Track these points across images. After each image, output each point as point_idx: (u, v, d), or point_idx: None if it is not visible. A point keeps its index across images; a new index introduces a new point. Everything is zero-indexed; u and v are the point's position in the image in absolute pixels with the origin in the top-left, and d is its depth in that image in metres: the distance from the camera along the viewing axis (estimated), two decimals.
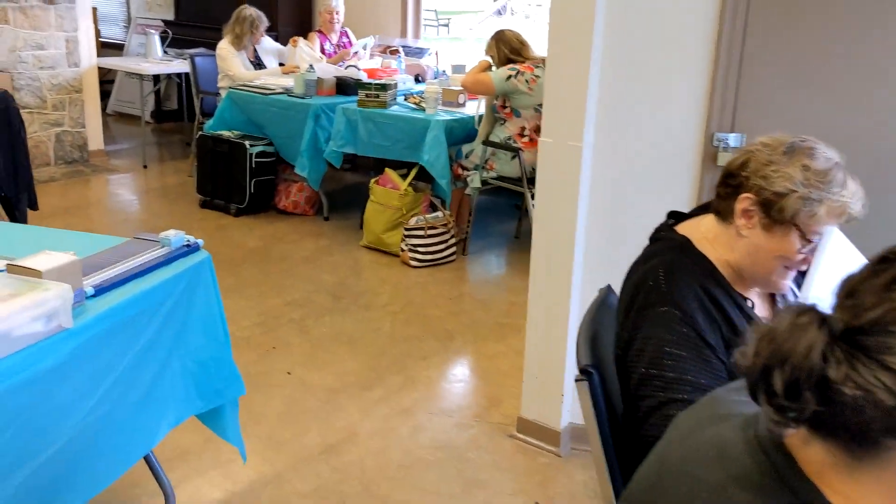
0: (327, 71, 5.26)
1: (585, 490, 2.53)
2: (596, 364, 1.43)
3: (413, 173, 4.57)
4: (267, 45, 5.92)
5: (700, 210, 1.60)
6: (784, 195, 1.36)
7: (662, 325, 1.38)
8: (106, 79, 7.57)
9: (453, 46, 7.04)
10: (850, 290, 0.77)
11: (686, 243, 1.49)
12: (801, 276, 1.50)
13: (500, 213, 5.49)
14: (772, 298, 1.58)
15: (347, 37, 6.08)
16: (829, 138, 1.46)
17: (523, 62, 4.31)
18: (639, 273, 1.48)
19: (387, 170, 4.62)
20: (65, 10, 6.01)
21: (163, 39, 6.94)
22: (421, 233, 4.35)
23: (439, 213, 4.47)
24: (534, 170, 4.41)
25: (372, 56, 6.13)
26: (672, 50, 2.39)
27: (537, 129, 4.34)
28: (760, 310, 1.52)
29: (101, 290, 1.89)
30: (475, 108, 4.68)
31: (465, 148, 4.55)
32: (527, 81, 4.22)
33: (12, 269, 1.75)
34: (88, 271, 1.97)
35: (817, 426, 0.77)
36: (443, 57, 6.59)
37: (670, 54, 2.39)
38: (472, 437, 2.78)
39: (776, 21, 2.28)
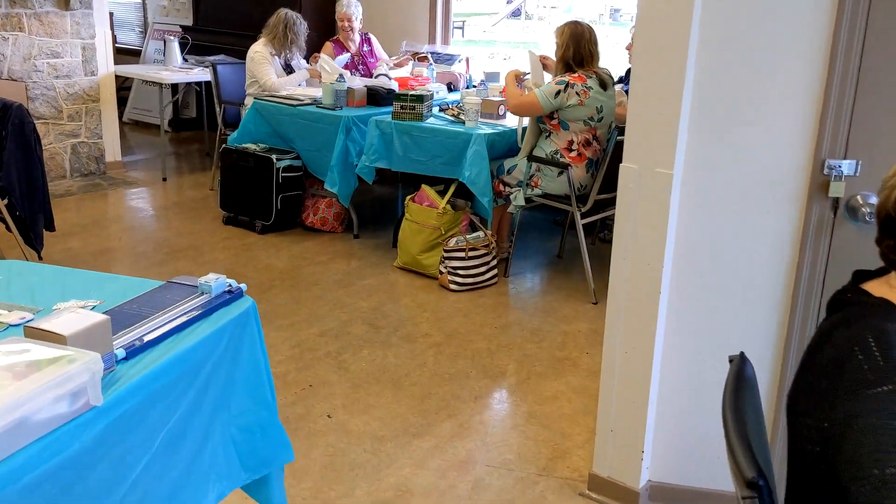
0: (356, 81, 4.99)
1: None
2: (761, 472, 1.14)
3: (451, 190, 4.29)
4: (300, 62, 5.60)
5: (882, 270, 1.30)
6: None
7: (890, 409, 1.07)
8: (122, 86, 7.33)
9: (470, 50, 6.73)
10: None
11: (888, 305, 1.19)
12: None
13: (539, 229, 5.20)
14: None
15: (370, 44, 5.78)
16: None
17: (574, 73, 4.01)
18: (836, 346, 1.18)
19: (423, 186, 4.33)
20: (81, 16, 5.76)
21: (182, 46, 6.68)
22: (461, 254, 4.06)
23: (480, 233, 4.18)
24: (582, 186, 4.14)
25: (400, 64, 5.85)
26: (776, 66, 2.09)
27: (587, 143, 4.05)
28: None
29: (133, 352, 1.61)
30: (517, 120, 4.39)
31: (508, 163, 4.25)
32: (577, 94, 3.92)
33: (31, 332, 1.48)
34: (118, 327, 1.70)
35: None
36: (473, 64, 6.30)
37: (774, 71, 2.10)
38: (539, 496, 2.49)
39: None
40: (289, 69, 5.45)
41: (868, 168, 2.08)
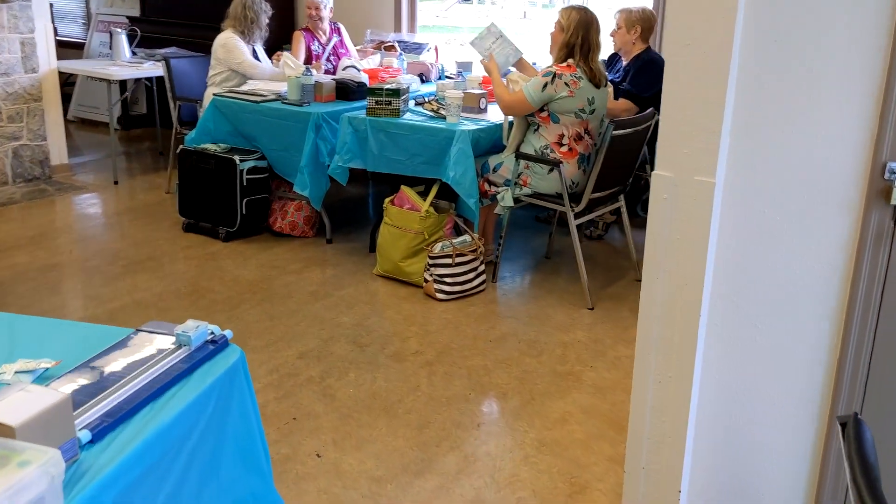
0: (322, 75, 4.65)
1: None
2: None
3: (434, 191, 3.99)
4: (261, 52, 5.22)
5: None
6: None
7: None
8: (66, 82, 6.85)
9: (426, 37, 6.43)
10: None
11: None
12: None
13: (523, 227, 4.92)
14: None
15: (339, 33, 5.44)
16: None
17: (563, 63, 3.73)
18: None
19: (403, 188, 4.02)
20: (19, 8, 5.31)
21: (130, 39, 6.25)
22: (448, 261, 3.77)
23: (467, 237, 3.90)
24: (574, 183, 3.87)
25: (366, 54, 5.52)
26: (829, 60, 1.84)
27: (578, 137, 3.78)
28: None
29: (101, 433, 1.30)
30: (500, 113, 4.10)
31: (493, 160, 3.97)
32: (567, 84, 3.65)
33: None
34: (81, 397, 1.38)
35: None
36: (442, 53, 6.00)
37: (826, 65, 1.84)
38: None
39: None
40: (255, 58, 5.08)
41: None
